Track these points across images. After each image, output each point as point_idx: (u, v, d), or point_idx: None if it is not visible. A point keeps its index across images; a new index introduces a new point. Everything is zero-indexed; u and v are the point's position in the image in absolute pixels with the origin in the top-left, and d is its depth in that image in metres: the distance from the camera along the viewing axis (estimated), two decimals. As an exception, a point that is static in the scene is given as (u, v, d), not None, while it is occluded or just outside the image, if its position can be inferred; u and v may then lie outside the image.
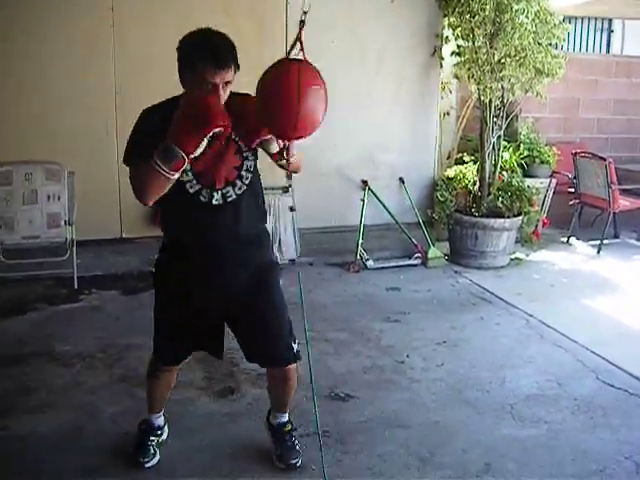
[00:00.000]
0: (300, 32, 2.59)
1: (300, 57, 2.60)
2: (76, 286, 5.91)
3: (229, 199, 2.90)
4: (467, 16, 6.67)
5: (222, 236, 2.95)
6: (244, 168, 2.92)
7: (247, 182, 2.93)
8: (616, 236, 8.26)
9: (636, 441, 3.70)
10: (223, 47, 2.73)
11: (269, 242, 3.27)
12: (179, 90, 2.79)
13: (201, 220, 2.92)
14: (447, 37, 7.26)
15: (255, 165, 2.98)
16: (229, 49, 2.74)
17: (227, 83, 2.72)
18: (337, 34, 6.86)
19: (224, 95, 2.72)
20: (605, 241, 7.79)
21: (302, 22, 2.60)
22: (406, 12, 7.11)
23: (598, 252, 7.68)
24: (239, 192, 2.91)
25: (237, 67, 2.75)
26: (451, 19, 7.03)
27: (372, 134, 7.23)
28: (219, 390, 4.15)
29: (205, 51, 2.66)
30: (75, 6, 5.99)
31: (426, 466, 3.41)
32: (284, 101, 2.53)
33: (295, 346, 3.15)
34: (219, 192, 2.87)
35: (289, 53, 2.62)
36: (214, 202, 2.88)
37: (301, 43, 2.60)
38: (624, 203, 7.84)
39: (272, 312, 3.12)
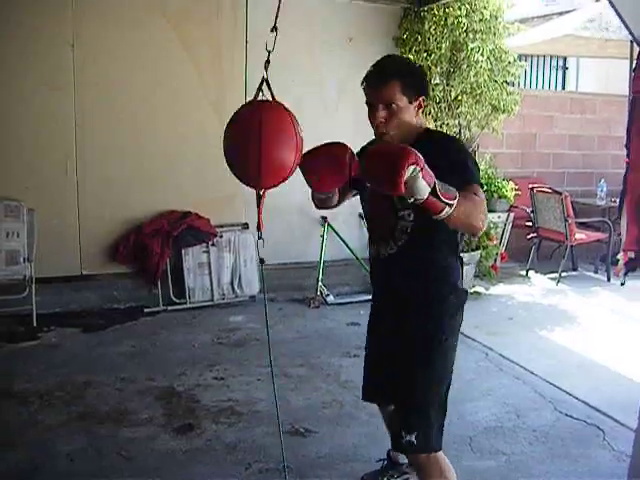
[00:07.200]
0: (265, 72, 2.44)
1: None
2: (35, 324, 5.85)
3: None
4: (424, 54, 6.82)
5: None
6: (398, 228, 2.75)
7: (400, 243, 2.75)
8: (574, 268, 8.39)
9: (594, 470, 3.74)
10: (386, 63, 2.55)
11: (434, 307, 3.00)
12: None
13: None
14: (405, 75, 7.34)
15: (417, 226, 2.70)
16: (392, 66, 2.53)
17: (390, 105, 2.48)
18: (297, 73, 6.92)
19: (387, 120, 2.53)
20: (563, 273, 7.91)
21: (267, 62, 2.45)
22: (364, 50, 7.16)
23: (557, 284, 7.78)
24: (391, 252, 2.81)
25: (412, 89, 2.48)
26: (408, 57, 7.14)
27: (332, 170, 7.25)
28: (179, 427, 4.11)
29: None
30: (36, 43, 5.99)
31: (385, 499, 3.42)
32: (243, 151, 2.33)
33: (410, 437, 2.67)
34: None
35: (256, 96, 2.43)
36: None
37: (268, 84, 2.44)
38: (580, 236, 7.98)
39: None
